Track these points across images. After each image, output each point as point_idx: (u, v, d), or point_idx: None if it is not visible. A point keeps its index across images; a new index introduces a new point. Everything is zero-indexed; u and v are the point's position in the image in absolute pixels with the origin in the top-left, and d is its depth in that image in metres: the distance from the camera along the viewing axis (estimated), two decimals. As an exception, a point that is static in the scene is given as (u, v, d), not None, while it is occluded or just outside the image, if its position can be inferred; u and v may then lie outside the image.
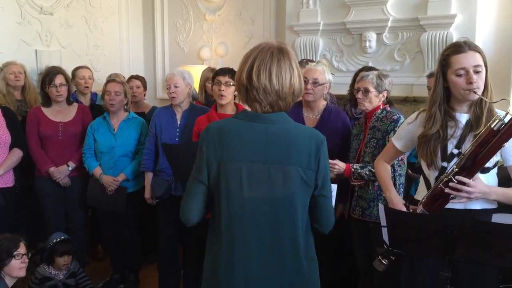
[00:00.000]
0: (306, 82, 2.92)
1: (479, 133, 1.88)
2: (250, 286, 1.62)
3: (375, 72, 2.80)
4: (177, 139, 3.19)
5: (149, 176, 3.34)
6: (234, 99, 2.99)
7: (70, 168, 3.51)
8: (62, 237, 3.24)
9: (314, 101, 3.00)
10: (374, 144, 2.70)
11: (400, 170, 2.69)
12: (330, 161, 2.67)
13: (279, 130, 1.61)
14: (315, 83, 2.93)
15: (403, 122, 2.54)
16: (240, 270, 1.61)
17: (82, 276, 3.30)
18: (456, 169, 1.89)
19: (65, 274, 3.21)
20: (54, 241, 3.20)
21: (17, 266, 2.58)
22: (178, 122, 3.26)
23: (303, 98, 3.00)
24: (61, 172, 3.48)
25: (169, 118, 3.27)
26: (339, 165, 2.68)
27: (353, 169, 2.68)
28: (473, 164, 1.86)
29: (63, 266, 3.19)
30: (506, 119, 1.79)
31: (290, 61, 1.61)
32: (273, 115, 1.62)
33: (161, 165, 3.26)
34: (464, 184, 1.88)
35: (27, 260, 2.65)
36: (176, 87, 3.19)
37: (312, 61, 3.85)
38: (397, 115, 2.72)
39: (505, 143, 1.81)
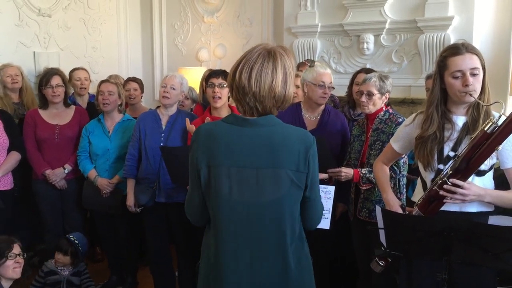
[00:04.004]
0: (323, 86, 2.94)
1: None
2: None
3: (376, 74, 2.79)
4: (161, 144, 3.11)
5: (131, 183, 3.23)
6: (228, 101, 2.99)
7: (66, 171, 3.50)
8: (71, 236, 3.29)
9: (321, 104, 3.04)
10: (380, 147, 2.69)
11: (403, 171, 2.71)
12: (335, 170, 2.69)
13: (268, 133, 1.59)
14: (330, 87, 2.97)
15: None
16: (230, 275, 1.62)
17: (86, 277, 3.33)
18: (451, 172, 1.89)
19: (71, 271, 3.25)
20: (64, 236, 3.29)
21: (11, 266, 2.58)
22: (163, 127, 3.17)
23: (317, 102, 2.99)
24: (57, 175, 3.47)
25: (154, 123, 3.18)
26: (345, 172, 2.69)
27: (361, 174, 2.69)
28: (467, 167, 1.86)
29: (58, 263, 3.23)
30: (500, 122, 1.79)
31: (275, 64, 1.57)
32: (261, 119, 1.60)
33: (144, 171, 3.15)
34: (458, 186, 1.88)
35: (21, 261, 2.65)
36: (173, 88, 3.13)
37: (313, 61, 3.88)
38: (402, 117, 2.72)
39: (499, 146, 1.81)
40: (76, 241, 3.27)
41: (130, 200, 3.23)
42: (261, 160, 1.58)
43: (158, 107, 3.29)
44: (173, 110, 3.20)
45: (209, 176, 1.60)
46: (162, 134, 3.15)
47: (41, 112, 3.55)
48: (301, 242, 1.71)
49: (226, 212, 1.61)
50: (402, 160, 2.66)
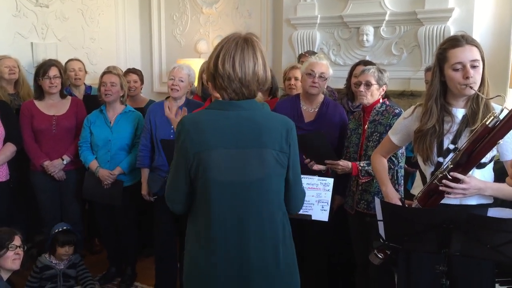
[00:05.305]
0: (312, 75, 2.93)
1: (475, 128, 1.87)
2: (230, 272, 1.67)
3: (375, 66, 2.81)
4: (171, 136, 3.13)
5: (145, 173, 3.31)
6: None
7: (64, 162, 3.50)
8: (65, 228, 3.29)
9: (315, 95, 3.00)
10: (377, 138, 2.69)
11: (401, 162, 2.71)
12: (333, 162, 2.69)
13: (251, 116, 1.68)
14: (321, 77, 2.95)
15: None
16: (221, 257, 1.66)
17: (82, 268, 3.34)
18: (451, 165, 1.89)
19: (66, 264, 3.26)
20: (57, 230, 3.25)
21: (11, 257, 2.59)
22: None
23: (308, 91, 3.00)
24: (56, 166, 3.47)
25: (163, 115, 3.17)
26: (342, 165, 2.69)
27: (360, 167, 2.68)
28: (468, 161, 1.85)
29: (64, 256, 3.24)
30: (502, 116, 1.78)
31: (254, 50, 1.68)
32: (244, 102, 1.69)
33: (156, 161, 3.23)
34: (458, 180, 1.88)
35: (21, 253, 2.66)
36: (181, 81, 3.15)
37: (314, 52, 3.86)
38: (398, 109, 2.73)
39: (500, 140, 1.80)
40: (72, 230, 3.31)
41: (145, 189, 3.29)
42: (247, 141, 1.65)
43: (167, 97, 3.30)
44: (182, 101, 3.24)
45: (198, 163, 1.65)
46: (172, 126, 3.15)
47: (37, 103, 3.53)
48: (287, 221, 1.79)
49: (216, 194, 1.65)
50: (400, 151, 2.66)
